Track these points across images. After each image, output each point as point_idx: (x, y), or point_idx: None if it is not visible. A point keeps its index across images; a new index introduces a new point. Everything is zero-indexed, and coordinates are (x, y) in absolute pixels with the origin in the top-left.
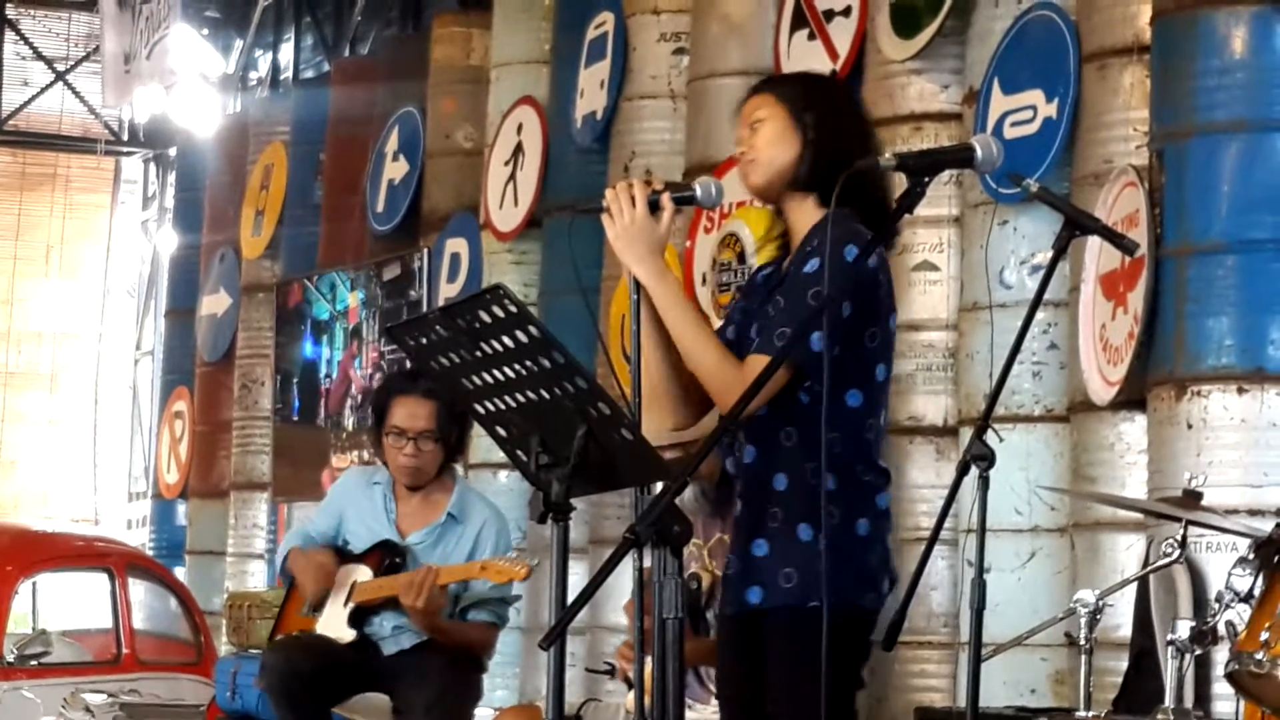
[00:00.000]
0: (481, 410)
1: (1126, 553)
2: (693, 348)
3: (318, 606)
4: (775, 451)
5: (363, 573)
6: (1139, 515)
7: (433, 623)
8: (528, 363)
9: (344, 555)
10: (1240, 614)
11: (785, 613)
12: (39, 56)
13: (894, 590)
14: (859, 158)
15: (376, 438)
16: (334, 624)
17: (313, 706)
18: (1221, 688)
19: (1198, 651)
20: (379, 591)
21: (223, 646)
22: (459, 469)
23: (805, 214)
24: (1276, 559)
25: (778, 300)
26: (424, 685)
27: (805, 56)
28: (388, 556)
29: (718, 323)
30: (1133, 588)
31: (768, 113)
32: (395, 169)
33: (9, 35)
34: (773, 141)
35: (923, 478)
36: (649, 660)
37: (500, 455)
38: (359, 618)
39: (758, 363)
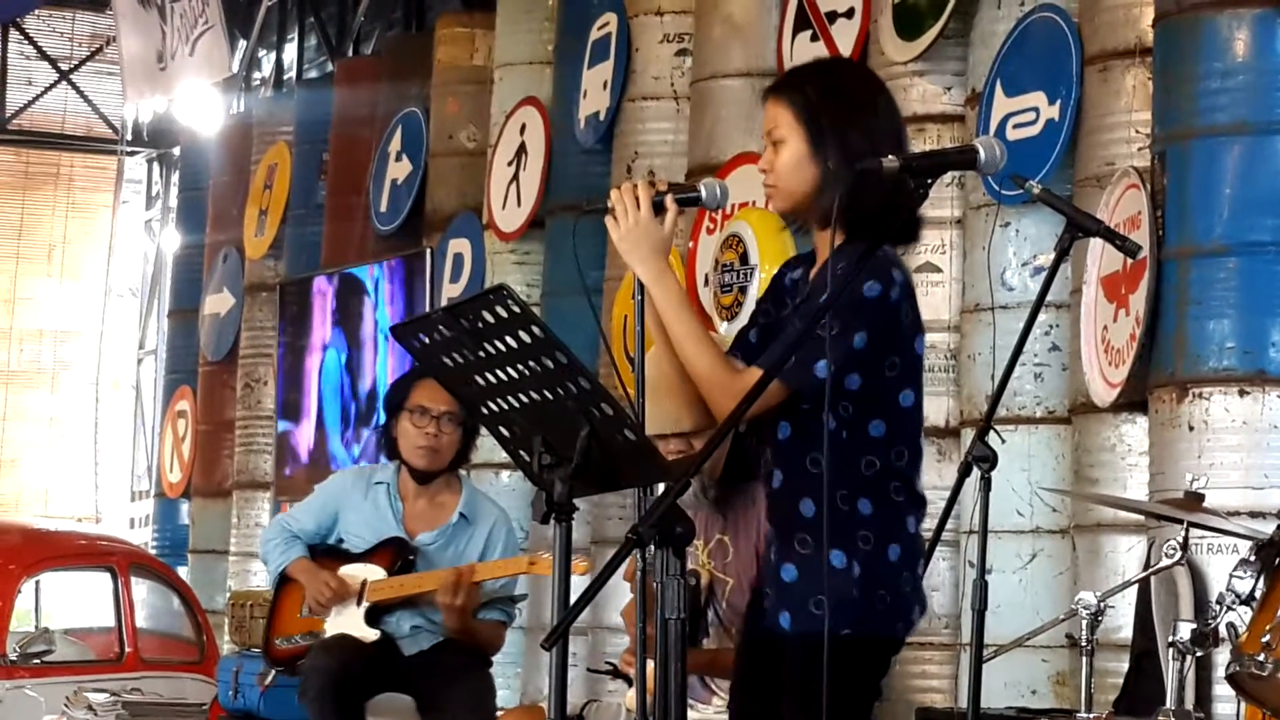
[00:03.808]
0: (485, 411)
1: (1128, 554)
2: (689, 351)
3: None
4: (802, 477)
5: (373, 572)
6: (1140, 517)
7: (464, 622)
8: (531, 363)
9: (345, 556)
10: (1241, 616)
11: (814, 638)
12: (43, 56)
13: (923, 617)
14: (886, 175)
15: (387, 430)
16: (350, 624)
17: (354, 710)
18: (1222, 689)
19: (1199, 653)
20: (399, 590)
21: (225, 645)
22: (463, 472)
23: (826, 237)
24: (1278, 561)
25: (794, 321)
26: (454, 685)
27: (808, 58)
28: (400, 555)
29: (719, 323)
30: (1134, 589)
31: (787, 131)
32: (398, 169)
33: (13, 35)
34: (792, 169)
35: (924, 479)
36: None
37: (503, 455)
38: (373, 617)
39: (756, 376)
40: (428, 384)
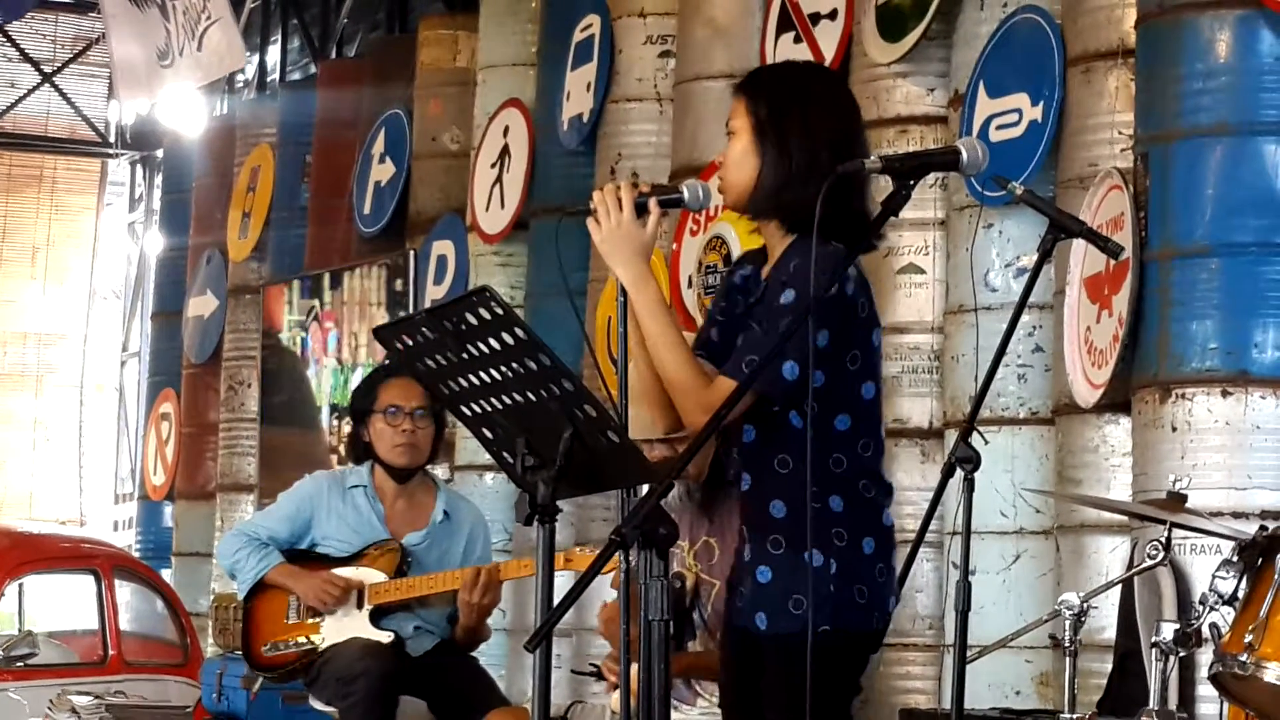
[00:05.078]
0: (468, 412)
1: (1111, 555)
2: (664, 356)
3: (318, 611)
4: (771, 479)
5: (370, 575)
6: (1123, 518)
7: (482, 620)
8: (514, 365)
9: (325, 560)
10: (1224, 616)
11: (794, 639)
12: (26, 58)
13: (897, 607)
14: (824, 176)
15: (355, 435)
16: (356, 627)
17: (393, 714)
18: (1205, 690)
19: (1182, 654)
20: (407, 592)
21: (209, 648)
22: (435, 471)
23: (774, 235)
24: (1260, 561)
25: (753, 327)
26: (464, 684)
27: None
28: (399, 558)
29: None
30: (1117, 590)
31: (739, 124)
32: (382, 171)
33: None
34: (737, 161)
35: (908, 480)
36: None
37: (486, 457)
38: (375, 620)
39: (726, 385)
40: (395, 382)
